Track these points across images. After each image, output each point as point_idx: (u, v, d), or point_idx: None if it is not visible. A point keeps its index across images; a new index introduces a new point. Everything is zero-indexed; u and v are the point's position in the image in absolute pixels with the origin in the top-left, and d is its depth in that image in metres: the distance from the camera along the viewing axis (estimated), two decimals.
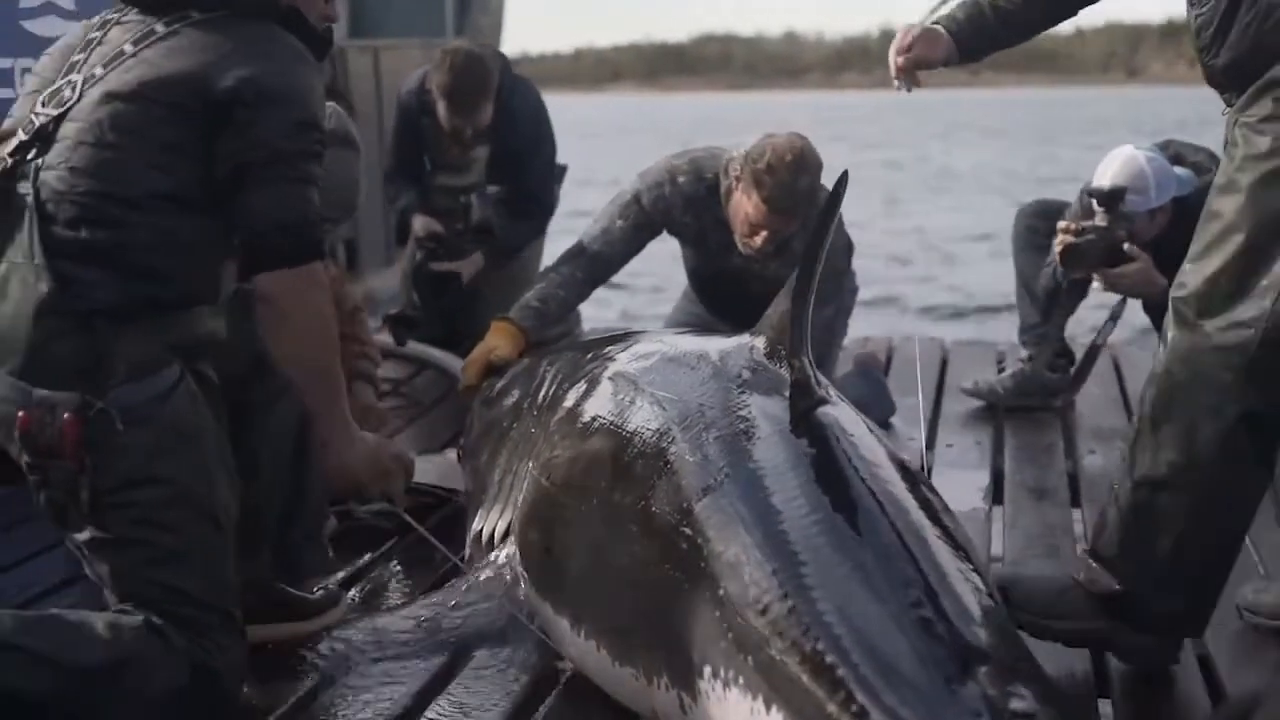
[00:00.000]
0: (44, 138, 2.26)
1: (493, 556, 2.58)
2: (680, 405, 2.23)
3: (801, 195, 3.48)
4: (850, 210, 2.89)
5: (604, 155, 19.62)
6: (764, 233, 3.53)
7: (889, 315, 10.76)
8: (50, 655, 2.09)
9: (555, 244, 4.27)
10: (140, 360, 2.18)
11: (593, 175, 14.60)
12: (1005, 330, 6.02)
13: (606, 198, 3.83)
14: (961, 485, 3.42)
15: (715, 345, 2.44)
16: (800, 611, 1.78)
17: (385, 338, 4.41)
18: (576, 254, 3.74)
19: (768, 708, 1.77)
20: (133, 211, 2.21)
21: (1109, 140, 4.55)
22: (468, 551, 2.75)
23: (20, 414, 2.14)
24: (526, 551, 2.44)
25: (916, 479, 2.13)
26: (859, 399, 2.96)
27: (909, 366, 4.47)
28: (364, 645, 2.43)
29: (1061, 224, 3.76)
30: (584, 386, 2.54)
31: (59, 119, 2.26)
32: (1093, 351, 4.13)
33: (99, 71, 2.28)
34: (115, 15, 2.38)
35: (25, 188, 2.23)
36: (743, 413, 2.16)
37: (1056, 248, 3.75)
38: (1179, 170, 3.75)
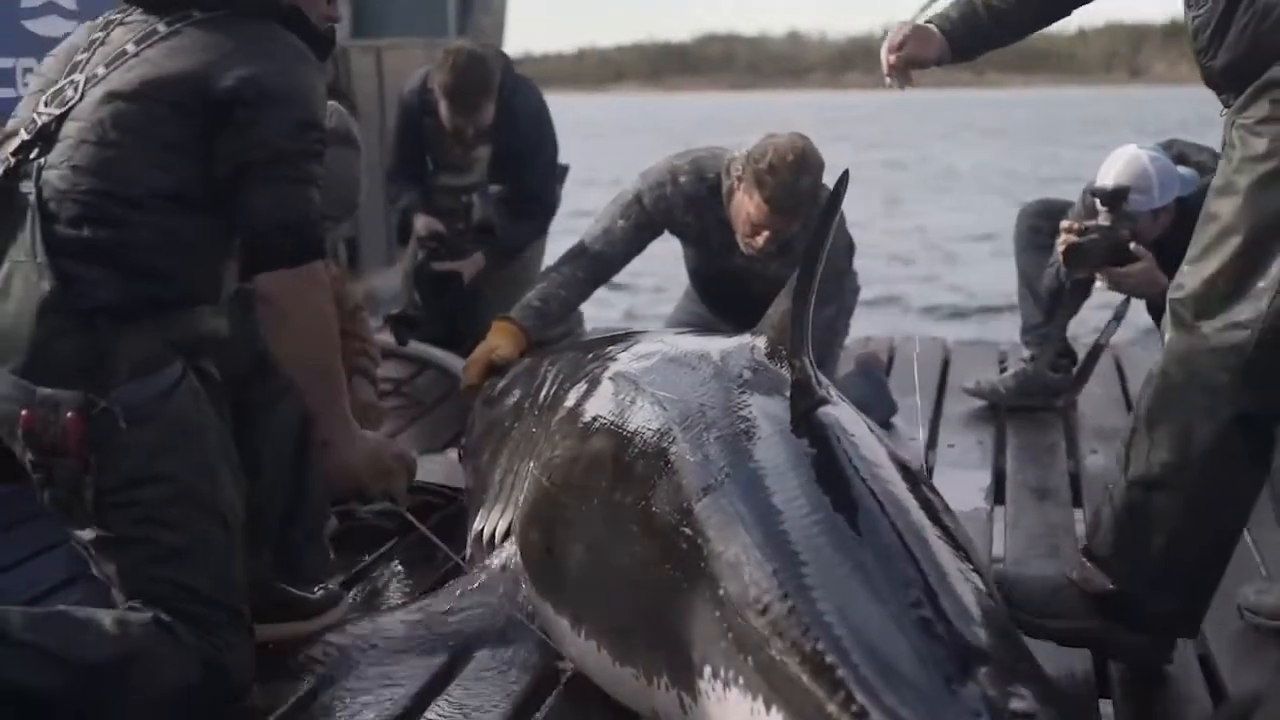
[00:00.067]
0: (46, 137, 2.26)
1: (494, 556, 2.58)
2: (681, 405, 2.23)
3: (803, 195, 3.48)
4: (852, 210, 2.90)
5: (607, 155, 19.61)
6: (766, 233, 3.53)
7: (891, 315, 10.75)
8: (58, 652, 2.10)
9: (557, 244, 4.28)
10: (142, 358, 2.19)
11: (596, 175, 14.60)
12: (1007, 330, 6.02)
13: (609, 198, 3.83)
14: (963, 485, 3.42)
15: (716, 345, 2.44)
16: (800, 612, 1.78)
17: (387, 337, 4.41)
18: (578, 254, 3.74)
19: (768, 708, 1.77)
20: (134, 210, 2.22)
21: (1112, 140, 4.54)
22: (469, 551, 2.75)
23: (24, 413, 2.15)
24: (527, 551, 2.44)
25: (917, 479, 2.13)
26: (860, 399, 2.96)
27: (910, 366, 4.47)
28: (364, 645, 2.43)
29: (1065, 223, 3.76)
30: (585, 386, 2.54)
31: (61, 118, 2.27)
32: (1095, 351, 4.13)
33: (101, 71, 2.29)
34: (119, 15, 2.39)
35: (28, 187, 2.24)
36: (743, 413, 2.16)
37: (1060, 247, 3.75)
38: (1182, 170, 3.74)
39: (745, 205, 3.54)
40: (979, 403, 4.28)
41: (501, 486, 2.69)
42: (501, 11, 7.93)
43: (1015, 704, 1.65)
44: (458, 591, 2.55)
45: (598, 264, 3.74)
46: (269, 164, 2.27)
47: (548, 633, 2.37)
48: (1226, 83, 2.31)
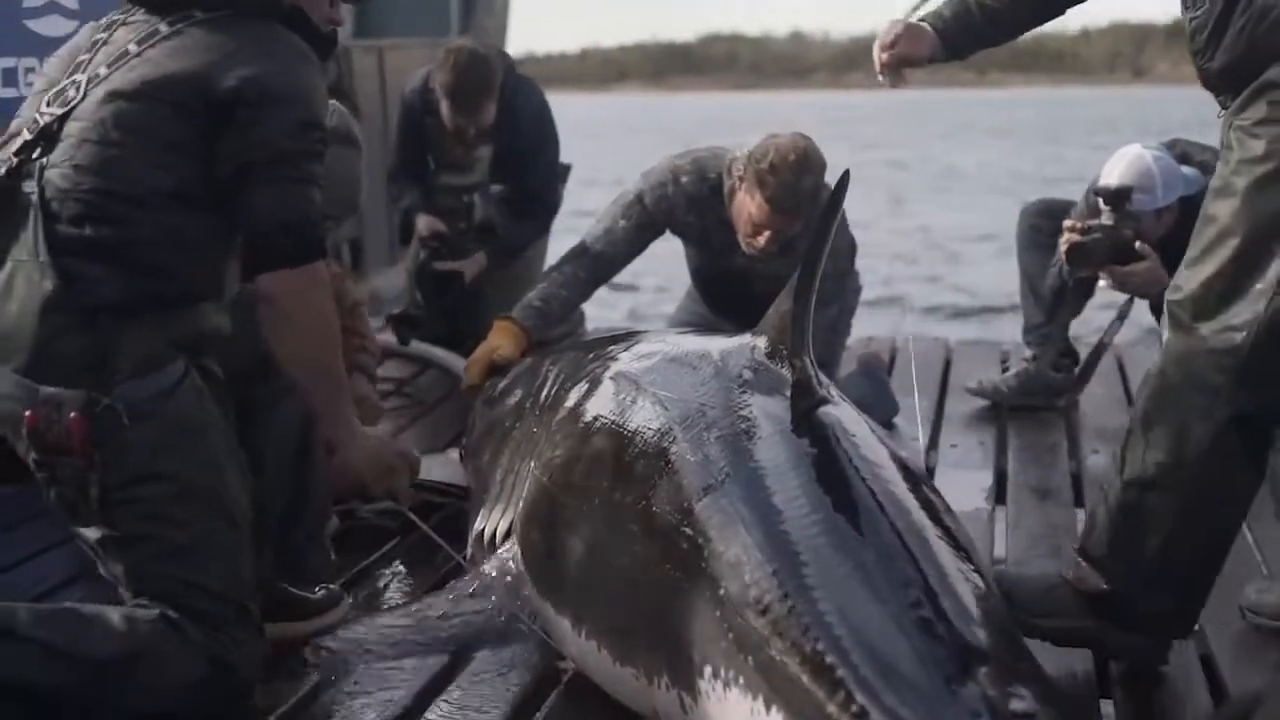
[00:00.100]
0: (48, 136, 2.27)
1: (495, 556, 2.58)
2: (682, 405, 2.23)
3: (805, 195, 3.48)
4: (854, 210, 2.89)
5: (609, 155, 19.59)
6: (767, 233, 3.53)
7: (893, 315, 10.71)
8: (65, 648, 2.10)
9: (559, 244, 4.28)
10: (145, 356, 2.19)
11: (598, 175, 14.59)
12: (1009, 330, 6.00)
13: (611, 197, 3.83)
14: (965, 485, 3.42)
15: (717, 345, 2.44)
16: (801, 612, 1.78)
17: (388, 337, 4.41)
18: (579, 253, 3.75)
19: (768, 708, 1.77)
20: (137, 209, 2.22)
21: (1115, 140, 4.54)
22: (469, 551, 2.76)
23: (27, 413, 2.16)
24: (528, 551, 2.44)
25: (918, 479, 2.13)
26: (862, 399, 2.96)
27: (912, 366, 4.47)
28: (365, 645, 2.43)
29: (1068, 223, 3.76)
30: (586, 386, 2.54)
31: (63, 118, 2.27)
32: (1098, 351, 4.13)
33: (103, 71, 2.30)
34: (121, 16, 2.40)
35: (30, 186, 2.24)
36: (744, 413, 2.16)
37: (1063, 246, 3.75)
38: (1186, 170, 3.75)
39: (747, 205, 3.54)
40: (981, 403, 4.28)
41: (502, 486, 2.70)
42: (504, 12, 7.92)
43: (1015, 704, 1.65)
44: (458, 592, 2.55)
45: (599, 264, 3.74)
46: (271, 164, 2.27)
47: (548, 632, 2.37)
48: (1224, 84, 2.31)
